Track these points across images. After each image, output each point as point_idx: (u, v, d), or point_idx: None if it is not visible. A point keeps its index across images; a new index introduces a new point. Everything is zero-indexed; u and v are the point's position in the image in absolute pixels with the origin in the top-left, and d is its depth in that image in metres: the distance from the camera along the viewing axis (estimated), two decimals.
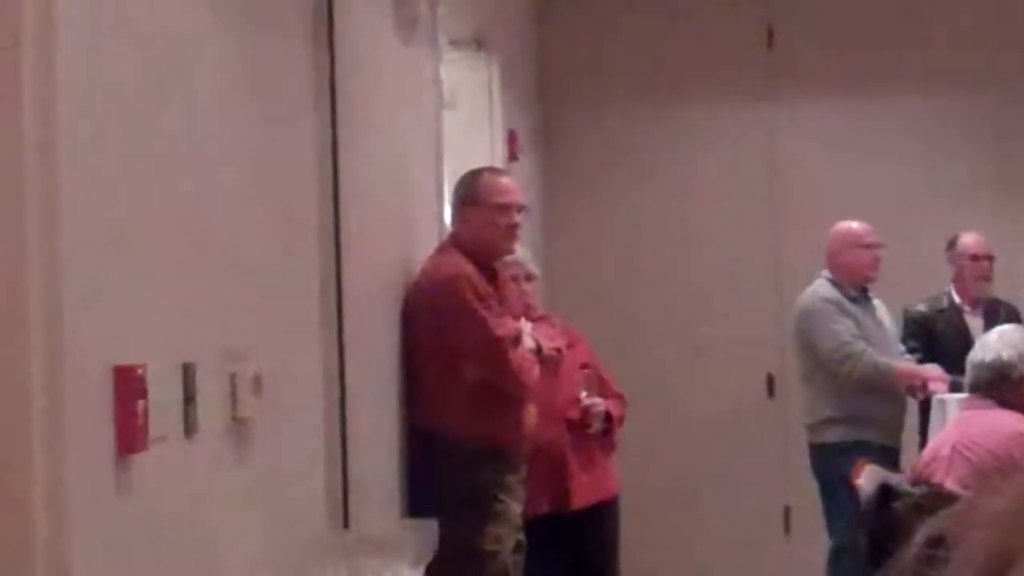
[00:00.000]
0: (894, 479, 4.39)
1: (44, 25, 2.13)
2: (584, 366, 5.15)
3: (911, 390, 6.06)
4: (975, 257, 6.47)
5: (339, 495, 3.63)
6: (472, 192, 4.62)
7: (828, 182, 7.22)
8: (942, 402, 5.79)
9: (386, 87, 4.32)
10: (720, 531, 7.16)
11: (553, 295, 6.83)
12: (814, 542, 6.20)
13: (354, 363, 3.72)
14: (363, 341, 3.86)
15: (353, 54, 3.83)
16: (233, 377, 2.86)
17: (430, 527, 3.16)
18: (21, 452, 2.08)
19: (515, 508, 4.47)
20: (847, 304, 6.07)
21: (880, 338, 6.09)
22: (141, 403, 2.34)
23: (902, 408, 6.11)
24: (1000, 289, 6.53)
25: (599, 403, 5.09)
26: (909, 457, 5.56)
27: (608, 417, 5.11)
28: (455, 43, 5.59)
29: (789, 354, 6.43)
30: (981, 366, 4.35)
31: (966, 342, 5.48)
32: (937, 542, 0.65)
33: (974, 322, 6.30)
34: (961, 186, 7.23)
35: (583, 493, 5.05)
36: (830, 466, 5.80)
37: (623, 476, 5.38)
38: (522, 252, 4.94)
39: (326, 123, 3.63)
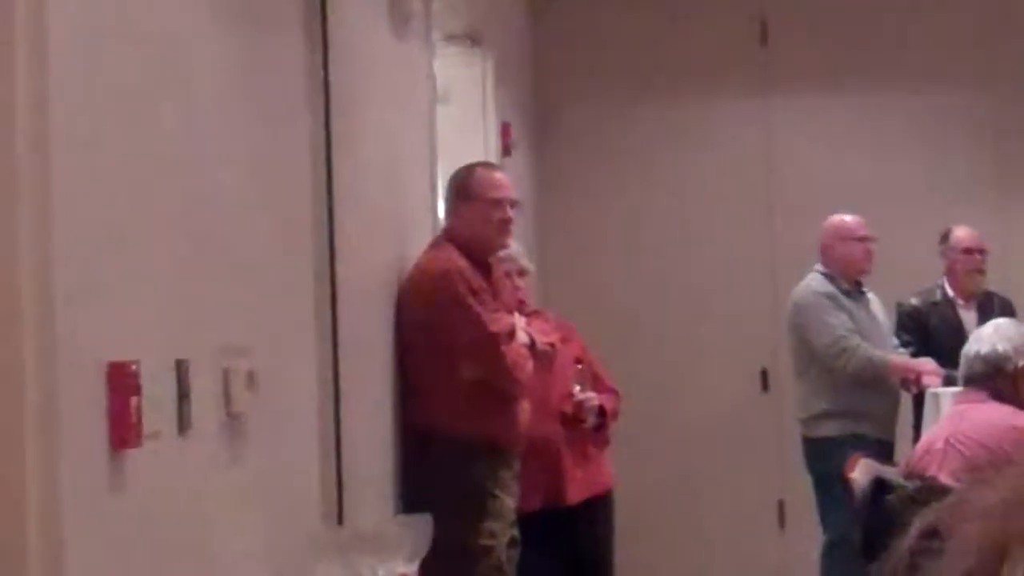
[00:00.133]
0: (888, 473, 4.39)
1: (37, 22, 2.13)
2: (578, 361, 5.15)
3: (905, 384, 6.07)
4: (968, 251, 6.48)
5: (333, 491, 3.63)
6: (465, 187, 4.62)
7: (823, 178, 7.23)
8: (936, 396, 5.80)
9: (380, 82, 4.31)
10: (714, 525, 7.17)
11: (547, 290, 6.83)
12: (808, 536, 6.21)
13: (348, 358, 3.72)
14: (357, 336, 3.86)
15: (347, 50, 3.82)
16: (227, 373, 2.85)
17: (425, 523, 3.16)
18: (14, 448, 2.07)
19: (509, 503, 4.47)
20: (841, 298, 6.07)
21: (874, 332, 6.10)
22: (135, 399, 2.34)
23: (896, 402, 6.12)
24: (995, 283, 6.54)
25: (593, 398, 5.09)
26: (903, 451, 5.57)
27: (602, 411, 5.12)
28: (449, 38, 5.59)
29: (783, 348, 6.43)
30: (976, 359, 4.35)
31: (959, 336, 5.49)
32: (931, 534, 0.65)
33: (967, 316, 6.31)
34: (956, 181, 7.24)
35: (577, 488, 5.06)
36: (824, 460, 5.81)
37: (617, 470, 5.39)
38: (515, 247, 4.94)
39: (320, 119, 3.63)
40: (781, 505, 7.22)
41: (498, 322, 4.43)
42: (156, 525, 2.50)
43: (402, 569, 3.04)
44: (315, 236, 3.60)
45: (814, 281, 6.13)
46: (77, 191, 2.23)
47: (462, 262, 4.43)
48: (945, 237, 6.56)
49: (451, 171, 4.80)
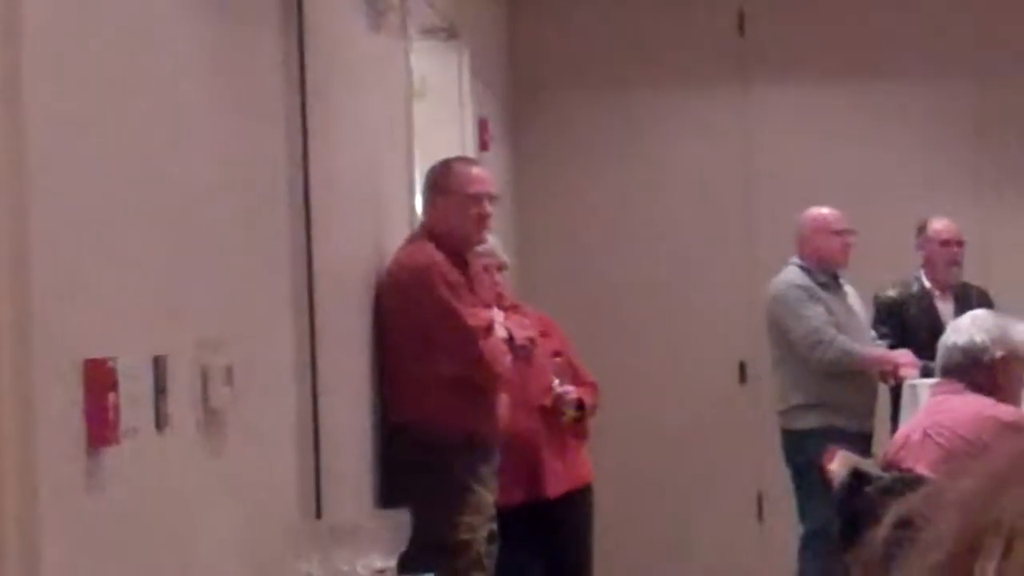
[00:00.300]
0: (866, 464, 4.40)
1: (12, 13, 2.12)
2: (556, 354, 5.16)
3: (882, 376, 6.09)
4: (945, 243, 6.50)
5: (312, 486, 3.63)
6: (443, 182, 4.61)
7: (801, 169, 7.24)
8: (913, 387, 5.82)
9: (356, 76, 4.31)
10: (694, 517, 7.18)
11: (526, 284, 6.83)
12: (787, 528, 6.22)
13: (326, 353, 3.72)
14: (335, 331, 3.86)
15: (323, 42, 3.81)
16: (205, 369, 2.85)
17: (403, 517, 3.16)
18: None
19: (488, 498, 4.47)
20: (818, 290, 6.08)
21: (851, 324, 6.12)
22: (112, 396, 2.33)
23: (873, 394, 6.14)
24: (973, 275, 6.55)
25: (571, 391, 5.09)
26: (881, 442, 5.59)
27: (581, 405, 5.12)
28: (426, 32, 5.58)
29: (762, 341, 6.44)
30: (953, 349, 4.36)
31: (937, 327, 5.51)
32: (905, 525, 0.65)
33: (944, 307, 6.33)
34: (936, 172, 7.26)
35: (557, 481, 5.06)
36: (802, 452, 5.82)
37: (596, 463, 5.39)
38: (493, 241, 4.94)
39: (296, 112, 3.62)
40: (760, 497, 7.24)
41: (476, 316, 4.43)
42: (135, 522, 2.49)
43: (380, 564, 3.04)
44: (292, 230, 3.59)
45: (791, 273, 6.14)
46: (53, 186, 2.22)
47: (440, 257, 4.42)
48: (922, 229, 6.58)
49: (428, 165, 4.79)
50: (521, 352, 4.69)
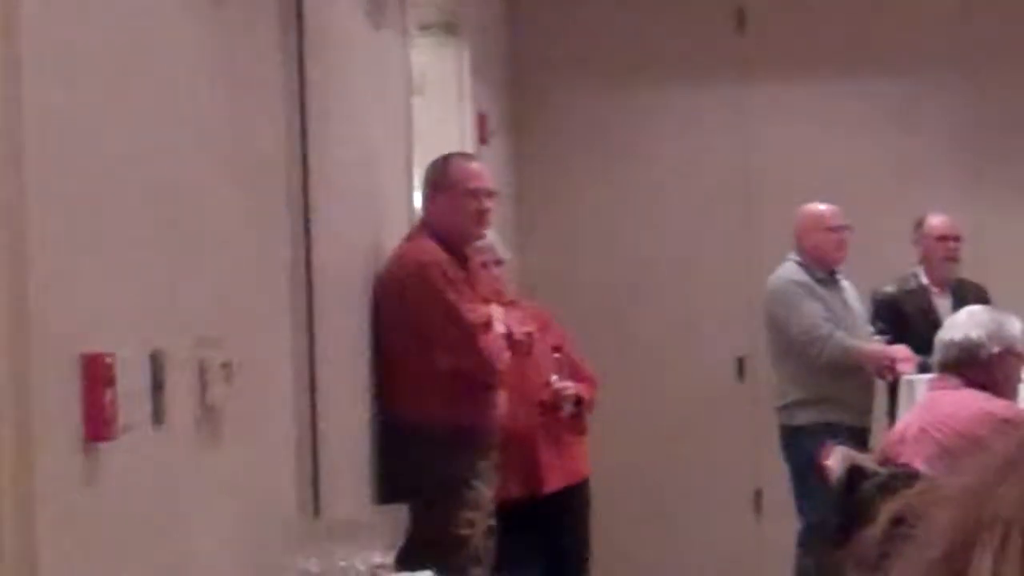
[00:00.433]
0: (863, 460, 4.41)
1: (8, 10, 2.12)
2: (555, 349, 5.16)
3: (880, 371, 6.09)
4: (942, 238, 6.50)
5: (309, 482, 3.63)
6: (442, 177, 4.61)
7: (801, 165, 7.23)
8: (910, 383, 5.82)
9: (356, 71, 4.30)
10: (691, 513, 7.19)
11: (525, 279, 6.83)
12: (785, 524, 6.22)
13: (324, 350, 3.72)
14: (333, 327, 3.86)
15: (322, 38, 3.81)
16: (202, 364, 2.85)
17: (401, 513, 3.16)
18: None
19: (486, 493, 4.47)
20: (815, 286, 6.09)
21: (849, 320, 6.12)
22: (109, 391, 2.33)
23: (870, 389, 6.14)
24: (970, 270, 6.55)
25: (570, 386, 5.09)
26: (878, 438, 5.59)
27: (579, 400, 5.12)
28: (425, 27, 5.58)
29: (760, 337, 6.44)
30: (950, 345, 4.36)
31: (934, 323, 5.50)
32: (901, 521, 0.65)
33: (942, 303, 6.33)
34: (934, 168, 7.26)
35: (555, 477, 5.06)
36: (800, 448, 5.83)
37: (594, 458, 5.39)
38: (492, 236, 4.94)
39: (295, 107, 3.62)
40: (758, 493, 7.24)
41: (475, 312, 4.43)
42: (131, 518, 2.49)
43: (379, 560, 3.04)
44: (291, 226, 3.59)
45: (788, 270, 6.14)
46: (50, 181, 2.22)
47: (439, 253, 4.42)
48: (919, 225, 6.58)
49: (427, 161, 4.79)
50: (519, 348, 4.69)
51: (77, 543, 2.27)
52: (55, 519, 2.18)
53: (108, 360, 2.34)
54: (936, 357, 4.45)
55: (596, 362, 5.46)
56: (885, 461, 4.30)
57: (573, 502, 5.18)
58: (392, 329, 4.38)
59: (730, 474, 7.19)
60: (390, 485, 4.30)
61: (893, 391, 6.09)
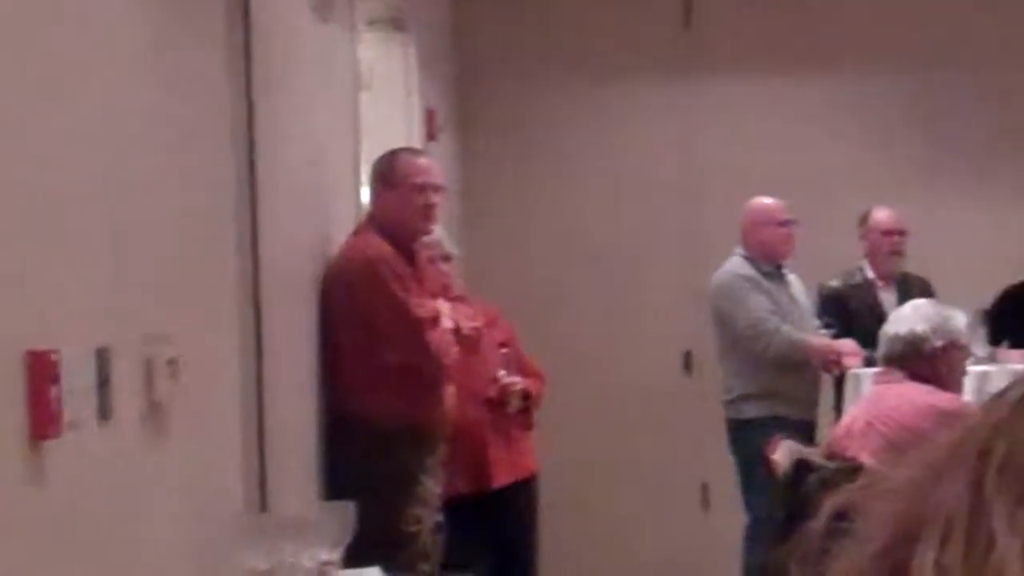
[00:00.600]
0: (810, 454, 4.44)
1: None
2: (503, 345, 5.16)
3: (826, 365, 6.13)
4: (887, 232, 6.55)
5: (256, 478, 3.61)
6: (389, 173, 4.61)
7: (747, 160, 7.27)
8: (857, 377, 5.86)
9: (302, 66, 4.29)
10: (638, 507, 7.21)
11: (472, 274, 6.82)
12: (732, 518, 6.26)
13: (271, 346, 3.70)
14: (281, 323, 3.84)
15: (269, 33, 3.79)
16: (149, 361, 2.83)
17: (348, 509, 3.15)
18: None
19: (434, 489, 4.47)
20: (762, 280, 6.12)
21: (795, 314, 6.15)
22: (54, 388, 2.31)
23: (817, 383, 6.18)
24: (916, 266, 6.60)
25: (517, 382, 5.10)
26: (824, 432, 5.63)
27: (526, 395, 5.13)
28: (372, 23, 5.56)
29: (706, 331, 6.47)
30: (895, 339, 4.40)
31: (879, 317, 5.54)
32: (843, 515, 0.65)
33: (887, 297, 6.38)
34: (882, 163, 7.31)
35: (503, 472, 5.07)
36: (747, 442, 5.86)
37: (541, 453, 5.40)
38: (439, 232, 4.94)
39: (242, 102, 3.60)
40: (704, 487, 7.27)
41: (422, 307, 4.42)
42: (77, 516, 2.47)
43: (326, 556, 3.03)
44: (238, 222, 3.58)
45: (735, 264, 6.17)
46: None
47: (386, 248, 4.42)
48: (864, 219, 6.62)
49: (375, 156, 4.78)
50: (467, 343, 4.69)
51: (23, 543, 2.26)
52: (0, 518, 2.16)
53: (53, 357, 2.32)
54: (881, 351, 4.49)
55: (543, 357, 5.47)
56: (831, 455, 4.33)
57: (521, 497, 5.19)
58: (339, 325, 4.37)
59: (677, 468, 7.22)
60: (337, 481, 4.29)
61: (839, 385, 6.13)
